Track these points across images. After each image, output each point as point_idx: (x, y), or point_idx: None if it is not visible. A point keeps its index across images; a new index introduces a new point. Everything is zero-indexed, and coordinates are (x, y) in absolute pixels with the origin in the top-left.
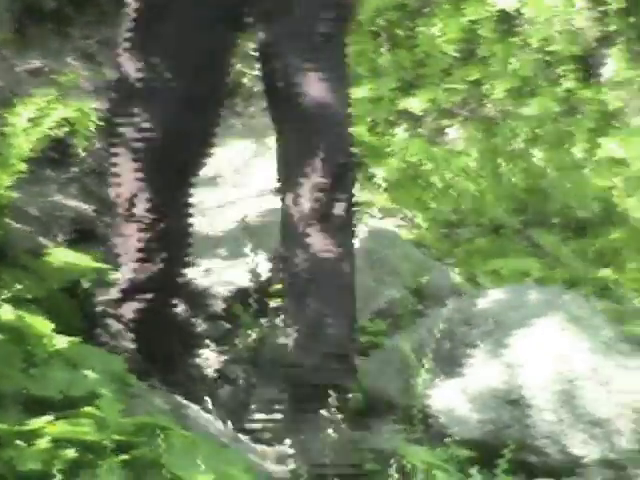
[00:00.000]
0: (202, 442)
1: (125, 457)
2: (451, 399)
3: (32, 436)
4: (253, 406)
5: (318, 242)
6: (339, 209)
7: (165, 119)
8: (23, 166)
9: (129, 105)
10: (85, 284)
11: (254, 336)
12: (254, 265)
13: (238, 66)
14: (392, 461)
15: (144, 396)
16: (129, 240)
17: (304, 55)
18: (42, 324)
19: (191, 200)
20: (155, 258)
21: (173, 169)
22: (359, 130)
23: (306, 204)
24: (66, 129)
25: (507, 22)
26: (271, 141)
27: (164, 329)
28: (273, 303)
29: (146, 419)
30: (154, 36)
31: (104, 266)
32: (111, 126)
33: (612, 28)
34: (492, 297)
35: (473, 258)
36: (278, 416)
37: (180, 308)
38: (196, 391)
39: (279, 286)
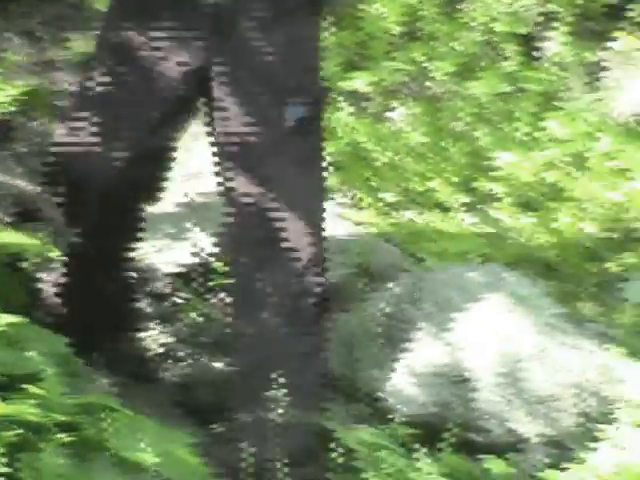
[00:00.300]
0: (147, 422)
1: (69, 438)
2: (396, 379)
3: None
4: (198, 385)
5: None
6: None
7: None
8: None
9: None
10: (28, 262)
11: (198, 314)
12: (197, 244)
13: None
14: (335, 441)
15: (88, 376)
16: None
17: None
18: None
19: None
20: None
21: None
22: None
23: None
24: (11, 108)
25: (451, 2)
26: None
27: (108, 309)
28: (216, 281)
29: (91, 399)
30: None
31: (47, 247)
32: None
33: (556, 8)
34: (438, 277)
35: (419, 237)
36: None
37: (124, 288)
38: (141, 370)
39: (222, 264)
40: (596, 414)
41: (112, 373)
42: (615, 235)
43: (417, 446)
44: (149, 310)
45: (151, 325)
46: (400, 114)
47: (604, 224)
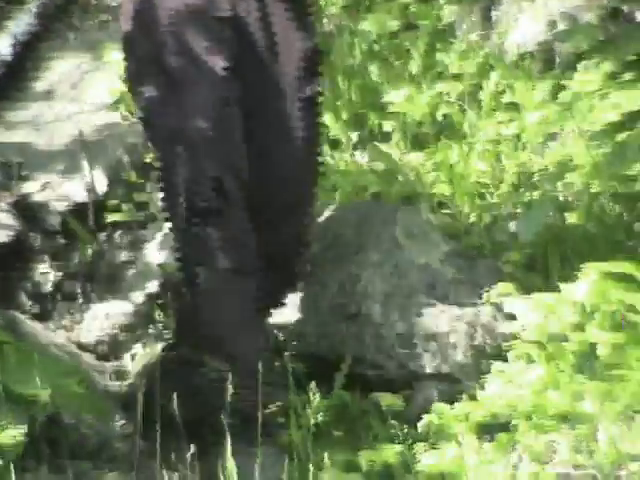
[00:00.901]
0: (38, 356)
1: None
2: (289, 314)
3: None
4: (90, 321)
5: None
6: None
7: None
8: None
9: None
10: None
11: (91, 251)
12: (91, 180)
13: None
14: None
15: None
16: None
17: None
18: None
19: None
20: None
21: None
22: None
23: None
24: None
25: None
26: (107, 56)
27: None
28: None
29: None
30: None
31: None
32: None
33: None
34: (331, 213)
35: None
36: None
37: (14, 224)
38: (33, 306)
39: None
40: (487, 349)
41: (2, 307)
42: (506, 171)
43: (310, 381)
44: (41, 246)
45: (44, 261)
46: None
47: (496, 160)
